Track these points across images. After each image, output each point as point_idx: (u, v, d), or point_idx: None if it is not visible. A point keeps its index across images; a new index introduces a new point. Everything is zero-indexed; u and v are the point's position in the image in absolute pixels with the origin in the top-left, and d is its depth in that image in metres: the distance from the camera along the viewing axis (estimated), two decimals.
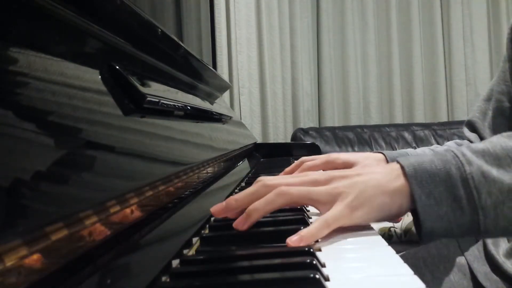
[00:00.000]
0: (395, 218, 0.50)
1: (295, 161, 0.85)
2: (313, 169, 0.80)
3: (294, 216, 0.56)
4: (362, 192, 0.48)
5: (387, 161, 0.80)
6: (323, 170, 0.82)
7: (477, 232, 0.46)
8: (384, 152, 0.83)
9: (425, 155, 0.49)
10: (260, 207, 0.48)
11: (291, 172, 0.81)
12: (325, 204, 0.49)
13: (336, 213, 0.47)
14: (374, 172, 0.50)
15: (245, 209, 0.49)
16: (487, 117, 0.86)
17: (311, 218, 0.60)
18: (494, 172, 0.46)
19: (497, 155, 0.47)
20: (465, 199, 0.45)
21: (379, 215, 0.48)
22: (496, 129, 0.84)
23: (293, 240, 0.44)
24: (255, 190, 0.50)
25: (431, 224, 0.46)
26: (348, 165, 0.80)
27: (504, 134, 0.50)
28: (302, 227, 0.49)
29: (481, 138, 0.88)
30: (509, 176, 0.45)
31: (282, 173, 0.83)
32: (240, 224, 0.48)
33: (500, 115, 0.83)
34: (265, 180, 0.51)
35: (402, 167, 0.48)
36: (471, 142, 0.89)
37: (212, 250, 0.46)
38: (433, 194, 0.46)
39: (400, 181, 0.47)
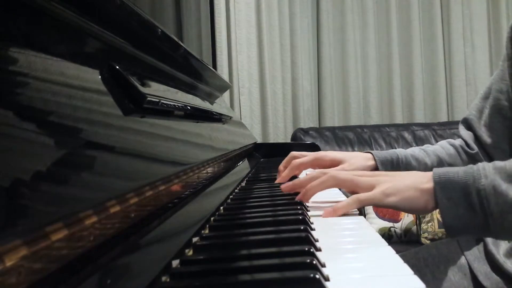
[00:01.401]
0: (421, 213, 0.61)
1: (286, 158, 0.87)
2: (302, 167, 0.85)
3: (295, 216, 0.56)
4: (397, 185, 0.59)
5: (375, 160, 0.82)
6: (311, 168, 0.86)
7: (488, 232, 0.56)
8: (372, 152, 0.84)
9: (453, 167, 0.59)
10: (315, 185, 0.65)
11: (286, 176, 0.85)
12: (364, 190, 0.61)
13: (371, 194, 0.59)
14: (411, 174, 0.62)
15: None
16: (483, 115, 0.86)
17: (312, 223, 0.60)
18: (503, 186, 0.54)
19: (511, 172, 0.55)
20: (478, 205, 0.55)
21: (408, 205, 0.59)
22: (492, 127, 0.85)
23: (327, 212, 0.59)
24: (314, 175, 0.66)
25: (450, 222, 0.56)
26: (335, 163, 0.83)
27: None
28: (301, 227, 0.49)
29: (476, 135, 0.88)
30: None
31: (279, 178, 0.86)
32: (300, 197, 0.66)
33: (497, 113, 0.83)
34: (321, 169, 0.69)
35: (433, 174, 0.58)
36: (464, 140, 0.90)
37: (216, 242, 0.46)
38: (453, 198, 0.56)
39: (429, 184, 0.58)
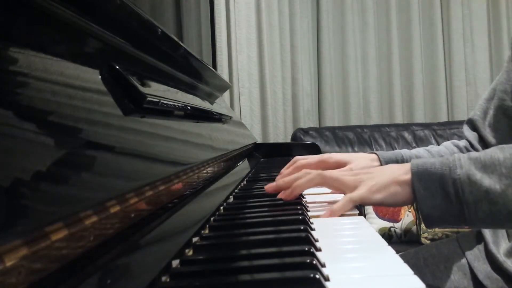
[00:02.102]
0: (403, 204, 0.63)
1: (290, 161, 0.87)
2: (306, 167, 0.84)
3: (294, 216, 0.56)
4: (380, 180, 0.61)
5: (380, 161, 0.82)
6: (316, 169, 0.85)
7: (464, 222, 0.57)
8: (377, 152, 0.84)
9: (430, 157, 0.60)
10: (302, 183, 0.65)
11: (288, 174, 0.83)
12: (350, 188, 0.63)
13: (359, 193, 0.61)
14: (390, 168, 0.64)
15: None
16: (488, 115, 0.86)
17: (312, 223, 0.60)
18: (478, 176, 0.56)
19: (485, 163, 0.57)
20: (453, 195, 0.56)
21: (393, 199, 0.61)
22: (496, 127, 0.85)
23: (323, 214, 0.60)
24: (298, 175, 0.67)
25: (427, 211, 0.58)
26: (340, 164, 0.83)
27: (499, 146, 0.60)
28: (301, 227, 0.49)
29: (481, 136, 0.88)
30: (488, 181, 0.56)
31: (280, 175, 0.85)
32: (286, 195, 0.66)
33: (502, 114, 0.83)
34: (306, 169, 0.68)
35: (410, 165, 0.60)
36: (469, 141, 0.90)
37: (215, 242, 0.46)
38: (430, 188, 0.58)
39: (407, 175, 0.60)
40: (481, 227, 0.73)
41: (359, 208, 0.64)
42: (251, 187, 0.87)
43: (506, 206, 0.55)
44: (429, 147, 0.91)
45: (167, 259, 0.38)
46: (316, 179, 0.66)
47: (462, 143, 0.91)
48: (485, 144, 0.87)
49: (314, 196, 0.75)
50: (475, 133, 0.89)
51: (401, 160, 0.84)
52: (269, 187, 0.69)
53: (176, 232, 0.47)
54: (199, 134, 0.80)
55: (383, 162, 0.83)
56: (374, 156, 0.84)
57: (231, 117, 1.25)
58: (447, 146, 0.91)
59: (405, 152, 0.86)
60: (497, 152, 0.58)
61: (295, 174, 0.68)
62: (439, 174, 0.58)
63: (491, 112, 0.85)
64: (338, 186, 0.65)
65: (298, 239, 0.46)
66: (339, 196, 0.68)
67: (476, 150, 0.88)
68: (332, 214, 0.60)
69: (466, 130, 0.92)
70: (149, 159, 0.51)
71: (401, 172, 0.61)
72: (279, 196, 0.66)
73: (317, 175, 0.66)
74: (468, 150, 0.89)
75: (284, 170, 0.86)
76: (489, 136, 0.86)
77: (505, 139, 0.84)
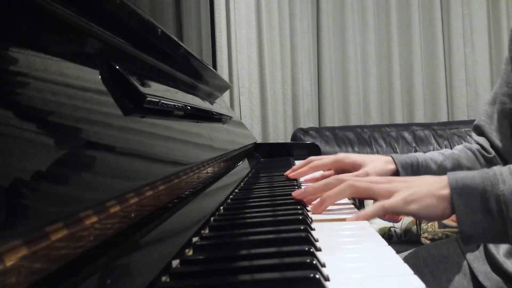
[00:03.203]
0: (439, 219, 0.61)
1: (303, 160, 0.87)
2: (321, 167, 0.85)
3: (295, 216, 0.56)
4: (416, 192, 0.58)
5: (395, 163, 0.82)
6: (331, 169, 0.86)
7: (506, 239, 0.55)
8: (393, 155, 0.84)
9: (469, 172, 0.58)
10: (332, 195, 0.61)
11: (302, 172, 0.86)
12: (384, 197, 0.59)
13: (393, 202, 0.58)
14: (427, 179, 0.61)
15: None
16: (494, 120, 0.86)
17: (312, 221, 0.60)
18: None
19: None
20: (496, 211, 0.54)
21: (427, 213, 0.58)
22: (501, 131, 0.85)
23: (350, 217, 0.57)
24: (329, 182, 0.63)
25: (467, 229, 0.55)
26: (356, 165, 0.83)
27: None
28: (301, 227, 0.49)
29: (489, 141, 0.88)
30: None
31: (290, 170, 0.86)
32: (316, 208, 0.61)
33: (504, 117, 0.83)
34: (338, 176, 0.64)
35: (448, 180, 0.58)
36: (480, 145, 0.90)
37: (216, 241, 0.46)
38: (470, 204, 0.55)
39: (446, 190, 0.57)
40: None
41: (357, 206, 0.63)
42: (251, 187, 0.87)
43: None
44: (443, 151, 0.90)
45: (167, 259, 0.38)
46: (347, 191, 0.61)
47: (475, 146, 0.90)
48: (494, 148, 0.87)
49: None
50: (483, 138, 0.89)
51: (416, 164, 0.83)
52: (297, 194, 0.65)
53: (176, 232, 0.47)
54: (199, 134, 0.80)
55: (399, 165, 0.82)
56: (389, 158, 0.84)
57: (231, 117, 1.25)
58: (460, 149, 0.90)
59: (420, 155, 0.85)
60: None
61: (324, 181, 0.64)
62: (480, 190, 0.55)
63: (495, 117, 0.86)
64: (371, 196, 0.62)
65: (298, 239, 0.46)
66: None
67: (489, 153, 0.88)
68: (359, 218, 0.57)
69: (474, 136, 0.92)
70: (149, 159, 0.51)
71: (439, 186, 0.58)
72: (311, 209, 0.62)
73: (348, 187, 0.61)
74: (481, 154, 0.88)
75: (297, 168, 0.87)
76: (497, 140, 0.86)
77: (510, 143, 0.83)
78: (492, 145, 0.87)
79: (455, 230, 1.87)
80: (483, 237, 0.56)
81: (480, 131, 0.90)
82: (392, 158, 0.84)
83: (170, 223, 0.46)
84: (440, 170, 0.83)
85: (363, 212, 0.58)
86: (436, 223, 1.90)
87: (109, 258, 0.33)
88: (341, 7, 2.60)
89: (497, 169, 0.58)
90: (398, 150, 2.34)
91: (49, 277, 0.26)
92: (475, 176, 0.57)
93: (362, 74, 2.64)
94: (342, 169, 0.84)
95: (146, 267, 0.36)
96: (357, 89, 2.61)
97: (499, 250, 0.75)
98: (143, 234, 0.40)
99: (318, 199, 0.62)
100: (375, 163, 0.82)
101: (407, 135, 2.39)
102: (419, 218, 0.62)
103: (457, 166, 0.85)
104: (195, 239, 0.47)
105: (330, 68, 2.58)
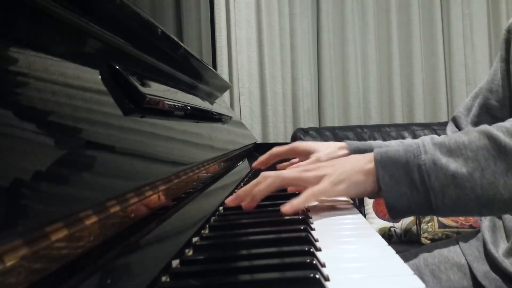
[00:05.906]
0: (371, 194, 0.60)
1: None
2: (279, 155, 0.88)
3: (294, 216, 0.56)
4: (342, 172, 0.59)
5: (348, 150, 0.83)
6: (288, 157, 0.89)
7: (430, 210, 0.55)
8: (348, 141, 0.86)
9: (394, 145, 0.58)
10: (262, 189, 0.61)
11: (265, 160, 0.89)
12: (313, 184, 0.59)
13: (322, 186, 0.58)
14: (353, 158, 0.62)
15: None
16: (471, 113, 0.87)
17: (312, 220, 0.60)
18: (443, 160, 0.54)
19: (450, 147, 0.56)
20: (419, 181, 0.55)
21: (357, 190, 0.59)
22: (477, 125, 0.85)
23: (285, 209, 0.56)
24: (257, 180, 0.62)
25: (393, 201, 0.55)
26: (308, 152, 0.85)
27: (464, 130, 0.59)
28: (301, 227, 0.49)
29: None
30: (454, 165, 0.54)
31: (255, 162, 0.88)
32: (247, 205, 0.61)
33: (486, 112, 0.84)
34: (264, 172, 0.63)
35: (374, 154, 0.58)
36: None
37: (215, 242, 0.46)
38: (394, 176, 0.56)
39: (371, 164, 0.58)
40: (447, 215, 0.71)
41: (358, 208, 0.63)
42: None
43: (473, 190, 0.53)
44: (405, 140, 0.90)
45: (167, 259, 0.38)
46: (276, 183, 0.61)
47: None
48: None
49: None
50: (456, 130, 0.90)
51: (369, 150, 0.83)
52: (229, 201, 0.63)
53: (176, 232, 0.47)
54: (199, 134, 0.80)
55: (351, 150, 0.82)
56: (343, 144, 0.85)
57: (231, 117, 1.25)
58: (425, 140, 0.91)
59: (376, 143, 0.85)
60: (462, 136, 0.57)
61: (253, 181, 0.63)
62: (403, 161, 0.56)
63: (474, 110, 0.86)
64: (300, 184, 0.62)
65: (298, 239, 0.46)
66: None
67: None
68: (291, 208, 0.56)
69: (449, 127, 0.92)
70: (149, 159, 0.51)
71: (365, 161, 0.59)
72: (243, 206, 0.61)
73: (276, 178, 0.61)
74: None
75: (260, 158, 0.90)
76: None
77: None
78: None
79: (455, 230, 1.87)
80: (409, 210, 0.55)
81: (456, 122, 0.91)
82: (346, 144, 0.84)
83: (170, 223, 0.46)
84: None
85: (295, 201, 0.57)
86: (436, 223, 1.90)
87: (109, 258, 0.33)
88: (341, 7, 2.60)
89: (420, 140, 0.58)
90: None
91: (49, 277, 0.26)
92: (399, 149, 0.57)
93: (362, 74, 2.64)
94: (297, 155, 0.87)
95: (146, 267, 0.36)
96: (357, 89, 2.61)
97: (498, 250, 0.75)
98: (143, 234, 0.40)
99: (249, 197, 0.61)
100: (328, 150, 0.83)
101: (407, 135, 2.39)
102: (350, 197, 0.63)
103: None
104: (195, 239, 0.47)
105: (330, 68, 2.58)
